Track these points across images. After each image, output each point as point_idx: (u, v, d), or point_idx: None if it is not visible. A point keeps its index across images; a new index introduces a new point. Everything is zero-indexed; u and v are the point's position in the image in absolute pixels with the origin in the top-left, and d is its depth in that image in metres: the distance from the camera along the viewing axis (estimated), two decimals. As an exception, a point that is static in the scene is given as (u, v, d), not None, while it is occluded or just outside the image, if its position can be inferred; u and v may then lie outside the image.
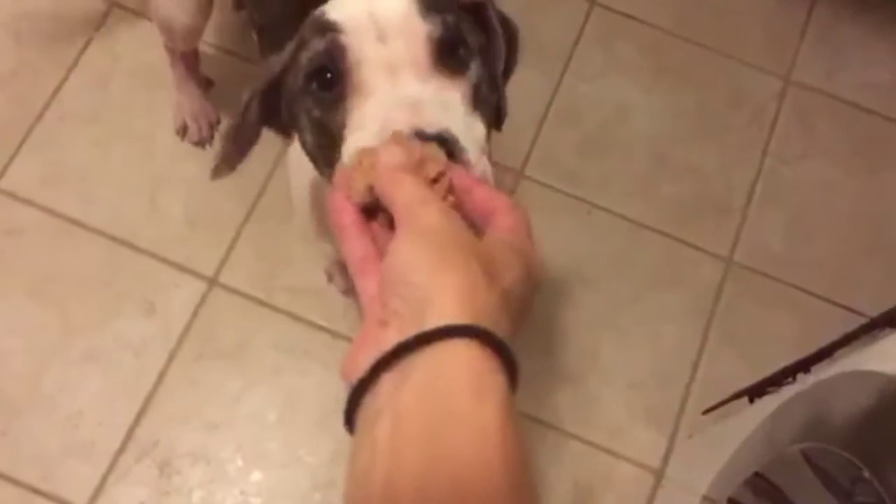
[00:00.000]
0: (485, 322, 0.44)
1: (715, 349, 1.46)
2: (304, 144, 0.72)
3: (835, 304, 1.50)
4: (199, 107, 1.48)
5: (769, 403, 1.02)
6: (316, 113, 0.67)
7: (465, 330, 0.44)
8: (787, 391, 1.01)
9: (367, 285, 0.52)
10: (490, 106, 0.69)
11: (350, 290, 1.41)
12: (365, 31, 0.64)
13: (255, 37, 1.09)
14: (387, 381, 0.45)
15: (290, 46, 0.70)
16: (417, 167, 0.55)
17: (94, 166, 1.46)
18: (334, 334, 1.40)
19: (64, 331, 1.36)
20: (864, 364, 0.76)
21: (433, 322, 0.44)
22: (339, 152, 0.64)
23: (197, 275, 1.41)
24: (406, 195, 0.52)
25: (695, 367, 1.45)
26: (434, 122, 0.59)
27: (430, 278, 0.46)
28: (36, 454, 1.29)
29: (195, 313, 1.39)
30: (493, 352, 0.44)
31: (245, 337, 1.39)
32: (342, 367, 0.48)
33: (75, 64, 1.52)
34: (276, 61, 0.72)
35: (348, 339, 1.40)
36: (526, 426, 1.38)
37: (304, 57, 0.67)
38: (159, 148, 1.49)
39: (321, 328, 1.40)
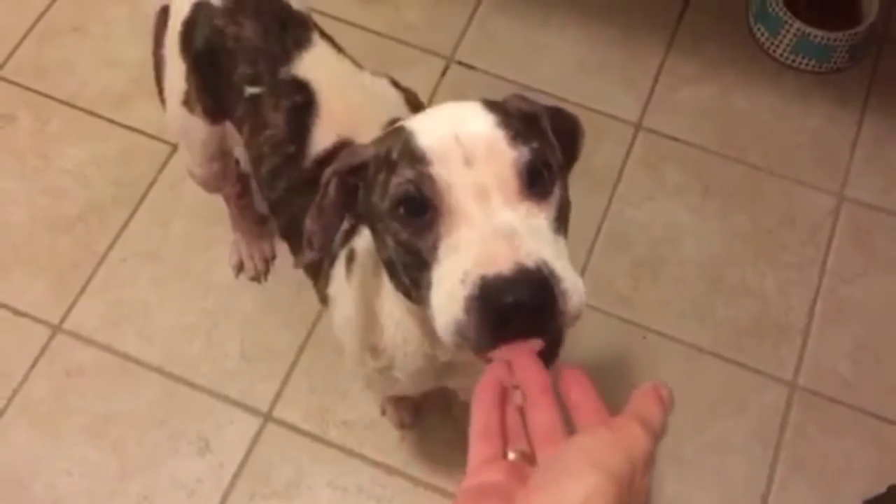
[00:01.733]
0: None
1: (785, 480, 1.40)
2: (383, 257, 0.74)
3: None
4: (254, 243, 1.52)
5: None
6: (404, 236, 0.68)
7: None
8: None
9: (481, 450, 0.54)
10: (568, 220, 0.72)
11: (405, 423, 1.39)
12: (453, 158, 0.66)
13: (269, 213, 1.13)
14: None
15: (372, 147, 0.73)
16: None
17: (154, 304, 1.50)
18: (389, 469, 1.38)
19: (120, 472, 1.37)
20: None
21: None
22: (429, 274, 0.66)
23: (252, 410, 1.42)
24: (548, 427, 0.55)
25: (764, 500, 1.38)
26: (531, 253, 0.61)
27: (576, 483, 0.48)
28: None
29: (249, 451, 1.39)
30: None
31: (299, 474, 1.37)
32: None
33: (139, 205, 1.59)
34: (360, 151, 0.74)
35: (402, 474, 1.37)
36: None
37: (393, 183, 0.68)
38: (216, 283, 1.52)
39: (375, 462, 1.38)
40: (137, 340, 1.47)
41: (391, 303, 0.87)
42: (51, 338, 1.46)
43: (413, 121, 0.73)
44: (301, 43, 1.05)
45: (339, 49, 1.09)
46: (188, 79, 1.13)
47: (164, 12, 1.15)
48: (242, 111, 1.07)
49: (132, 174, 1.62)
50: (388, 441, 1.41)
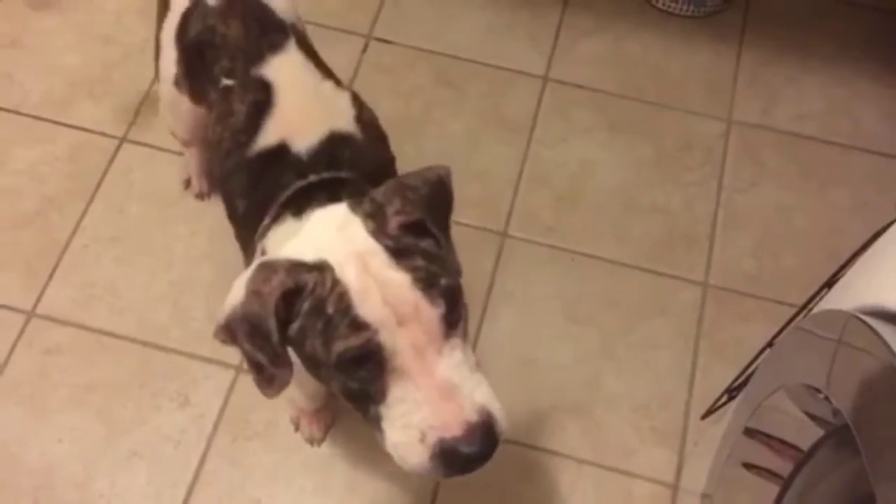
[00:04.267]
0: None
1: (707, 365, 1.58)
2: (329, 387, 0.88)
3: (808, 309, 1.62)
4: (202, 164, 1.67)
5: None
6: (353, 385, 0.82)
7: None
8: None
9: None
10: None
11: (315, 439, 1.48)
12: (389, 324, 0.79)
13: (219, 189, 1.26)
14: None
15: (304, 274, 0.81)
16: None
17: (121, 282, 1.61)
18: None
19: (108, 433, 1.47)
20: (821, 307, 0.89)
21: None
22: (377, 409, 0.82)
23: (224, 364, 1.54)
24: None
25: (691, 383, 1.56)
26: (473, 404, 0.80)
27: None
28: (95, 549, 1.38)
29: (226, 400, 1.51)
30: None
31: (275, 415, 1.50)
32: None
33: (94, 195, 1.70)
34: (295, 275, 0.81)
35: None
36: (544, 460, 1.48)
37: (339, 346, 0.79)
38: (178, 257, 1.64)
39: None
40: (109, 315, 1.58)
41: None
42: (26, 322, 1.56)
43: (333, 256, 0.82)
44: (275, 47, 1.16)
45: (314, 59, 1.21)
46: (178, 63, 1.29)
47: (163, 2, 1.30)
48: (216, 97, 1.21)
49: (84, 168, 1.73)
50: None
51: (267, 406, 1.51)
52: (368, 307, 0.80)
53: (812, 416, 0.89)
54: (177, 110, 1.42)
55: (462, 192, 1.79)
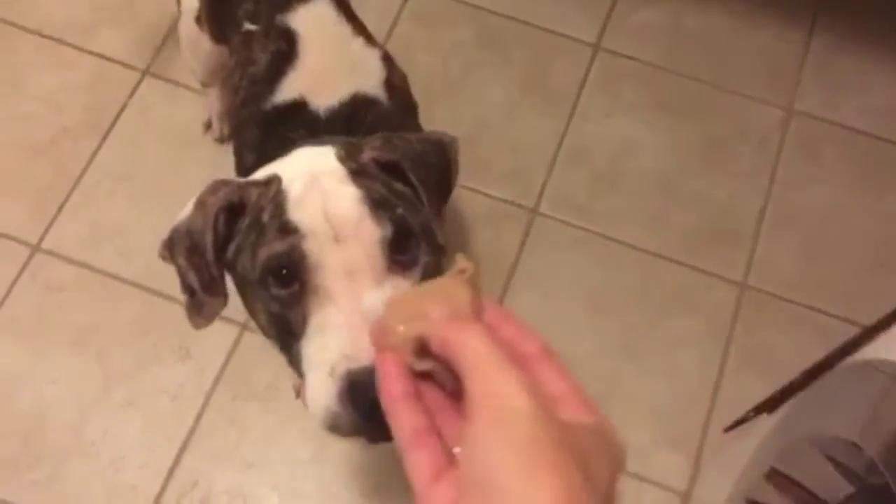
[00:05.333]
0: None
1: (735, 372, 1.49)
2: (255, 320, 0.78)
3: (852, 322, 1.52)
4: (224, 107, 1.57)
5: (782, 411, 1.05)
6: (274, 308, 0.72)
7: None
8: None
9: (422, 462, 0.44)
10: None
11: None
12: (322, 234, 0.69)
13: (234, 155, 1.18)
14: None
15: (250, 189, 0.76)
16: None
17: (130, 223, 1.55)
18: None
19: (104, 379, 1.43)
20: (866, 355, 0.80)
21: None
22: (298, 345, 0.70)
23: (228, 320, 1.47)
24: (479, 358, 0.43)
25: (716, 389, 1.48)
26: None
27: (522, 485, 0.39)
28: (82, 499, 1.34)
29: (228, 357, 1.45)
30: None
31: (276, 377, 1.44)
32: None
33: (110, 129, 1.62)
34: (240, 190, 0.76)
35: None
36: (552, 454, 1.41)
37: (263, 253, 0.71)
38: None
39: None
40: (116, 257, 1.52)
41: None
42: (30, 256, 1.51)
43: (285, 174, 0.75)
44: None
45: (347, 12, 1.11)
46: (201, 0, 1.22)
47: None
48: (237, 42, 1.13)
49: (102, 100, 1.65)
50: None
51: (269, 366, 1.45)
52: (302, 212, 0.71)
53: (843, 469, 0.81)
54: (197, 49, 1.34)
55: (494, 163, 1.72)
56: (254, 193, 0.76)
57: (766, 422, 1.07)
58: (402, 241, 0.71)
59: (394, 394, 0.47)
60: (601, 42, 1.77)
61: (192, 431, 1.40)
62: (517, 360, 0.44)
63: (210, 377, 1.44)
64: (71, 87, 1.66)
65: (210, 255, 0.76)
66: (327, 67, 1.04)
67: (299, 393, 1.42)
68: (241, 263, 0.75)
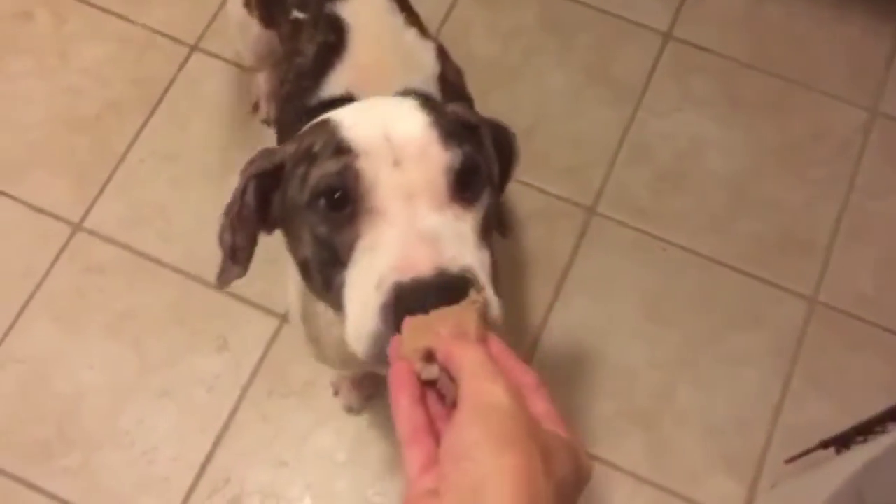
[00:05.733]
0: None
1: (799, 394, 1.39)
2: (298, 257, 0.70)
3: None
4: (273, 89, 1.51)
5: (859, 455, 0.96)
6: (322, 230, 0.65)
7: None
8: (879, 443, 0.94)
9: (416, 456, 0.51)
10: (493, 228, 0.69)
11: (353, 409, 1.37)
12: (381, 156, 0.63)
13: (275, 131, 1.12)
14: None
15: (291, 145, 0.70)
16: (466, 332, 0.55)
17: (172, 205, 1.50)
18: (403, 373, 1.39)
19: (140, 367, 1.39)
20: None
21: (492, 502, 0.44)
22: (342, 274, 0.63)
23: (269, 311, 1.43)
24: (474, 367, 0.50)
25: (777, 411, 1.38)
26: (455, 258, 0.59)
27: (492, 458, 0.45)
28: (113, 489, 1.31)
29: (266, 350, 1.41)
30: None
31: (315, 374, 1.39)
32: None
33: (157, 105, 1.58)
34: (277, 152, 0.71)
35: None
36: (598, 471, 1.34)
37: (315, 175, 0.65)
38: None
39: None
40: (156, 240, 1.48)
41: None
42: (71, 236, 1.47)
43: (339, 113, 0.69)
44: None
45: (400, 1, 1.03)
46: None
47: None
48: (286, 31, 1.07)
49: (150, 74, 1.60)
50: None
51: (307, 362, 1.39)
52: (357, 131, 0.65)
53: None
54: (245, 32, 1.27)
55: (551, 157, 1.63)
56: (290, 149, 0.70)
57: (837, 470, 0.98)
58: (468, 176, 0.65)
59: (403, 396, 0.53)
60: (673, 30, 1.66)
61: (226, 425, 1.36)
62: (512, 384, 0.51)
63: (247, 370, 1.39)
64: (118, 60, 1.62)
65: (235, 207, 0.73)
66: (377, 61, 0.97)
67: (337, 391, 1.38)
68: (289, 197, 0.69)
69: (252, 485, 1.32)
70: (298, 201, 0.67)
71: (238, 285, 1.44)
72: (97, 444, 1.34)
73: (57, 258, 1.46)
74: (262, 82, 1.51)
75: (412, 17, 1.03)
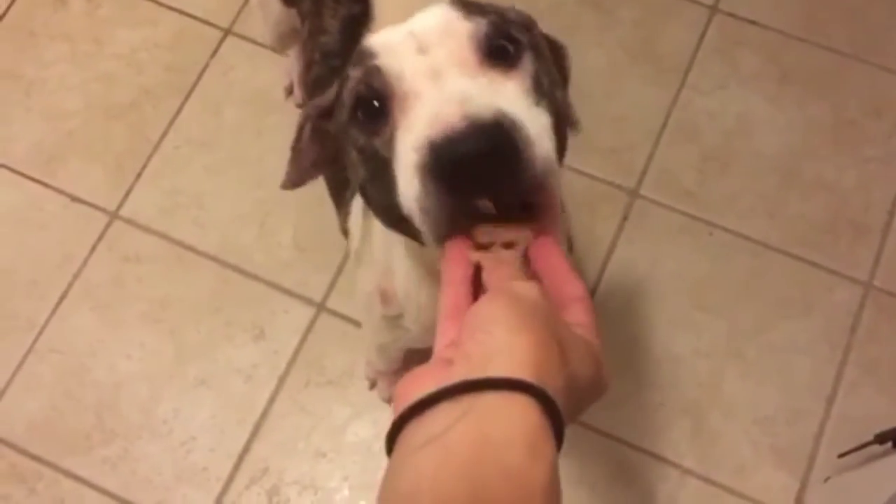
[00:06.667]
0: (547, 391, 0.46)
1: (853, 383, 1.34)
2: (360, 188, 0.67)
3: None
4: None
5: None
6: (362, 140, 0.62)
7: (531, 388, 0.44)
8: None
9: (447, 331, 0.52)
10: (557, 105, 0.63)
11: (390, 398, 1.35)
12: (404, 49, 0.60)
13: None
14: (442, 412, 0.44)
15: (338, 82, 0.68)
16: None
17: (208, 193, 1.49)
18: (441, 361, 1.37)
19: (177, 356, 1.39)
20: None
21: (500, 372, 0.45)
22: (392, 173, 0.59)
23: (306, 300, 1.41)
24: (507, 276, 0.53)
25: (830, 402, 1.33)
26: (486, 105, 0.55)
27: (508, 334, 0.47)
28: (151, 479, 1.32)
29: (303, 339, 1.39)
30: (549, 419, 0.45)
31: (352, 364, 1.37)
32: (395, 392, 0.49)
33: (191, 92, 1.56)
34: (329, 92, 0.69)
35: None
36: (643, 462, 1.30)
37: (346, 91, 0.63)
38: (269, 173, 1.49)
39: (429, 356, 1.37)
40: (192, 228, 1.47)
41: (403, 245, 0.79)
42: (108, 224, 1.47)
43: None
44: None
45: None
46: None
47: None
48: (307, 7, 1.03)
49: (184, 60, 1.59)
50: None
51: (345, 352, 1.38)
52: (380, 37, 0.63)
53: None
54: (267, 11, 1.25)
55: (592, 137, 1.58)
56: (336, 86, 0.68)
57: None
58: (499, 43, 0.60)
59: (458, 270, 0.55)
60: (719, 3, 1.59)
61: (263, 416, 1.35)
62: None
63: (284, 359, 1.38)
64: (152, 45, 1.60)
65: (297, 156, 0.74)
66: None
67: (373, 385, 1.36)
68: (338, 124, 0.67)
69: (290, 476, 1.31)
70: (342, 124, 0.65)
71: (274, 273, 1.44)
72: (136, 434, 1.34)
73: (94, 247, 1.46)
74: (294, 64, 1.48)
75: None
